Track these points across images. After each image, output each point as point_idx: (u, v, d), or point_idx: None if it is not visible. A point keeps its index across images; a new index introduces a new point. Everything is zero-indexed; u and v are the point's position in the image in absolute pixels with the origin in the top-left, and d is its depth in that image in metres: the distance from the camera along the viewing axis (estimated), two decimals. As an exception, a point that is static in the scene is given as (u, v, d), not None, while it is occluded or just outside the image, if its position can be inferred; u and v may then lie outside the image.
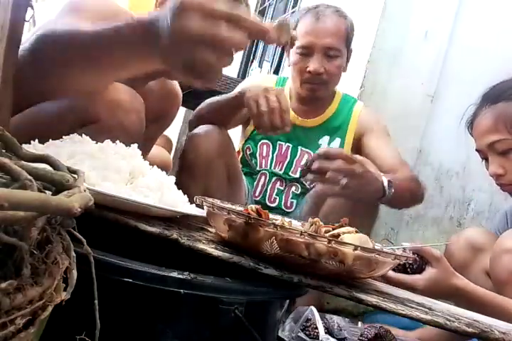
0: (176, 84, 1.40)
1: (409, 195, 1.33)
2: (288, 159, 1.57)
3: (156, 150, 1.61)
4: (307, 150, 1.56)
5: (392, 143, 1.54)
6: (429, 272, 0.92)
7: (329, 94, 1.59)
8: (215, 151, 1.35)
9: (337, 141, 1.57)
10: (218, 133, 1.38)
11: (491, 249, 1.14)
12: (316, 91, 1.51)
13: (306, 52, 1.47)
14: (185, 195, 0.83)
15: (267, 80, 1.68)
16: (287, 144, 1.57)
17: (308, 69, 1.46)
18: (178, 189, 0.82)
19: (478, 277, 1.07)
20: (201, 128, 1.39)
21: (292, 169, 1.58)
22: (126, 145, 0.80)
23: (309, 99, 1.55)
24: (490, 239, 1.22)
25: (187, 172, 1.33)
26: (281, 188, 1.59)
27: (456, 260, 0.97)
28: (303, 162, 1.53)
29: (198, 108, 1.50)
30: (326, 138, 1.57)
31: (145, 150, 1.30)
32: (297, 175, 1.55)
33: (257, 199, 1.60)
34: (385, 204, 1.32)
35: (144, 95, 1.14)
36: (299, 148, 1.57)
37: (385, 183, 1.20)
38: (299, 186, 1.58)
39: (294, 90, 1.59)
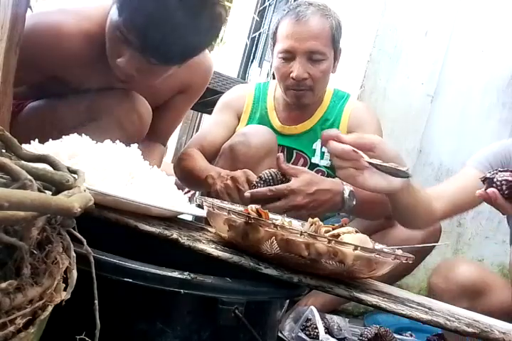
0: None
1: (371, 206, 1.22)
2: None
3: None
4: (302, 154, 1.50)
5: None
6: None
7: (316, 99, 1.48)
8: (264, 151, 1.31)
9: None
10: (272, 138, 1.36)
11: (490, 291, 1.10)
12: (301, 97, 1.42)
13: (288, 56, 1.37)
14: None
15: (242, 93, 1.58)
16: (282, 147, 1.49)
17: (291, 75, 1.36)
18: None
19: None
20: (255, 127, 1.38)
21: None
22: (126, 146, 0.81)
23: (295, 106, 1.47)
24: (485, 277, 1.15)
25: (231, 162, 1.27)
26: None
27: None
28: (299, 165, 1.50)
29: (179, 156, 1.44)
30: (319, 142, 1.49)
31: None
32: None
33: None
34: (350, 214, 1.23)
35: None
36: (294, 151, 1.50)
37: (346, 194, 1.15)
38: None
39: (281, 95, 1.50)
